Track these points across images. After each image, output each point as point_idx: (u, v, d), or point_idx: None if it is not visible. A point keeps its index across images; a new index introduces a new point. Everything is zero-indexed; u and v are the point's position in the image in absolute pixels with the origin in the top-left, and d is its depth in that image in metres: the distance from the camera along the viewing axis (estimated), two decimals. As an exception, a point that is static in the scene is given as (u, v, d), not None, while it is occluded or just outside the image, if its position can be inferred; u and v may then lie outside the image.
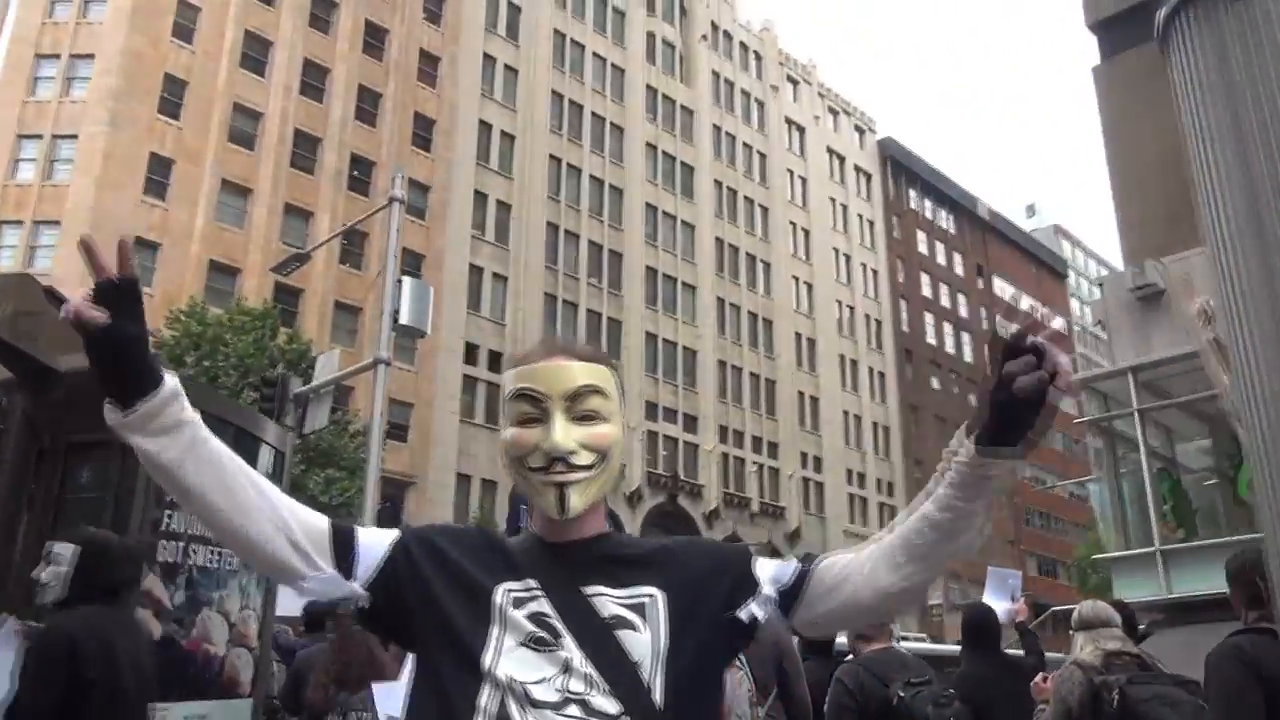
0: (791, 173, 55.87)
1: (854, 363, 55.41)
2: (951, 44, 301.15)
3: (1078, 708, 4.07)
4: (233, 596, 5.72)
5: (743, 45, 55.43)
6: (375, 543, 1.65)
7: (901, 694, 4.20)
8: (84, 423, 5.29)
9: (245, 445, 6.04)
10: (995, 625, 5.44)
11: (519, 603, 1.58)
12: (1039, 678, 4.52)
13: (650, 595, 1.60)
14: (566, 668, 1.52)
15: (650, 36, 50.29)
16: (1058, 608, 19.83)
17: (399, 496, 32.60)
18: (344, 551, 1.61)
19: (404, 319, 14.73)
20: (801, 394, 51.43)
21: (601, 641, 1.54)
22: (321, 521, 1.63)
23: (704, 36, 52.65)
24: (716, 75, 53.23)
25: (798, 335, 52.61)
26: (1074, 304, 77.78)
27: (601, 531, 1.71)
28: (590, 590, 1.60)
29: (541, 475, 1.61)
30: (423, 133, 39.30)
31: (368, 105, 37.90)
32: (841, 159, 59.45)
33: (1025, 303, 69.08)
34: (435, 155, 39.23)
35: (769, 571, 1.66)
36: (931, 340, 60.80)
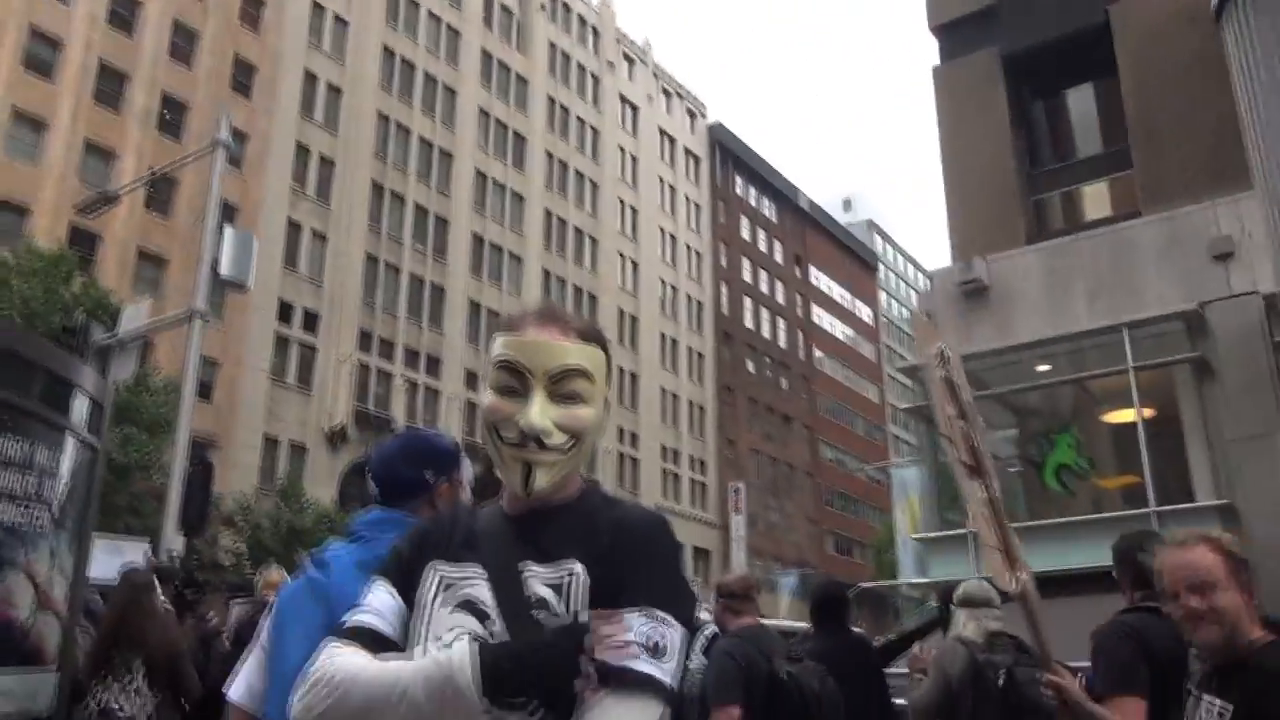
0: (623, 150, 56.12)
1: (674, 342, 56.34)
2: (785, 35, 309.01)
3: (957, 682, 4.24)
4: (41, 558, 5.28)
5: (580, 19, 55.17)
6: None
7: (789, 669, 4.22)
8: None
9: (57, 394, 5.58)
10: (845, 601, 5.56)
11: (448, 586, 1.57)
12: (917, 649, 4.65)
13: (571, 572, 1.54)
14: None
15: (488, 1, 49.34)
16: (866, 585, 20.79)
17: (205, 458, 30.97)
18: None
19: (224, 271, 13.94)
20: (621, 370, 51.88)
21: (521, 627, 1.50)
22: (381, 620, 1.59)
23: (542, 6, 52.08)
24: (553, 46, 52.79)
25: (621, 312, 53.03)
26: (882, 296, 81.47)
27: (563, 503, 1.64)
28: (523, 568, 1.56)
29: (512, 449, 1.58)
30: (243, 78, 37.29)
31: (183, 43, 35.67)
32: (672, 141, 60.14)
33: (837, 293, 72.01)
34: (255, 103, 37.32)
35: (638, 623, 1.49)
36: (749, 324, 62.46)
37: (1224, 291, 12.99)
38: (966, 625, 4.58)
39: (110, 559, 7.95)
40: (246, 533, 30.00)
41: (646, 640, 1.44)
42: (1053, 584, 11.72)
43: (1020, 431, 14.84)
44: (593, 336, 1.67)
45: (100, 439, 6.00)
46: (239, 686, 2.26)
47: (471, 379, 43.27)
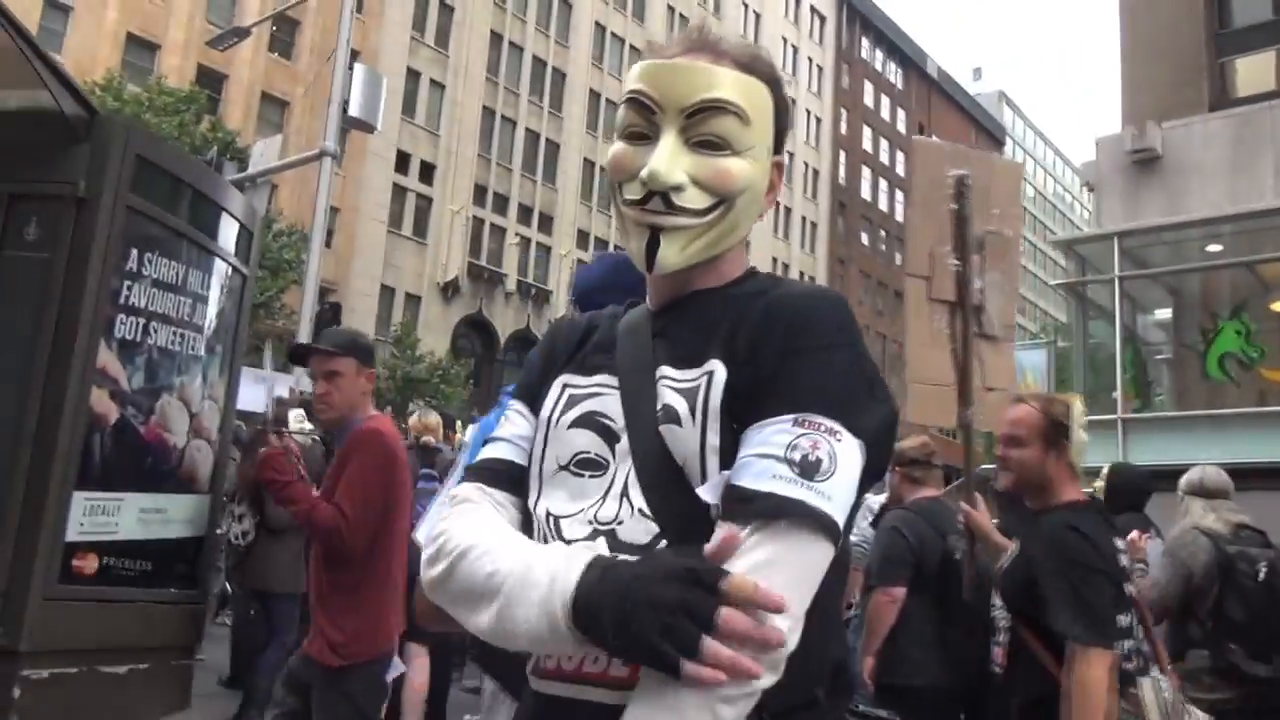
0: (746, 6, 53.86)
1: (788, 210, 54.99)
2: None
3: (1202, 576, 3.83)
4: (195, 384, 5.14)
5: None
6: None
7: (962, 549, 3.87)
8: (31, 170, 4.54)
9: (205, 216, 5.34)
10: (1142, 484, 5.18)
11: (574, 402, 1.27)
12: (1133, 534, 4.23)
13: (708, 372, 1.18)
14: (607, 490, 1.19)
15: None
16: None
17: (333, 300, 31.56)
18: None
19: (353, 110, 13.62)
20: (733, 237, 50.94)
21: (649, 444, 1.18)
22: (506, 451, 1.33)
23: None
24: (678, -108, 50.33)
25: (736, 177, 51.65)
26: (1007, 172, 78.02)
27: (714, 288, 1.28)
28: (659, 374, 1.22)
29: (635, 210, 1.23)
30: (365, -82, 36.39)
31: (307, -120, 34.80)
32: (798, -2, 57.48)
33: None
34: (377, -55, 36.53)
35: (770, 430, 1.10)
36: (866, 195, 60.56)
37: None
38: (1205, 515, 4.13)
39: (256, 388, 7.90)
40: (362, 378, 30.62)
41: (795, 454, 1.06)
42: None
43: (1180, 317, 13.84)
44: (756, 68, 1.26)
45: (250, 266, 5.80)
46: (424, 528, 2.10)
47: (583, 238, 43.00)
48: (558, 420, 1.27)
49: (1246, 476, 6.57)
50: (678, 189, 1.20)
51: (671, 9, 49.25)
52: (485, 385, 37.65)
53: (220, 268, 5.39)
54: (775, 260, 53.57)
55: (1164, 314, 14.17)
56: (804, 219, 56.05)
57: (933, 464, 4.43)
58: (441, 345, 35.72)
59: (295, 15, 28.98)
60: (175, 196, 5.07)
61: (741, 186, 1.22)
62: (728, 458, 1.12)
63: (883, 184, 62.17)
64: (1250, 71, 14.41)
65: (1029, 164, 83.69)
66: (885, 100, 63.12)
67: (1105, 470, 5.46)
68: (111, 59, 28.40)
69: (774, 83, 1.28)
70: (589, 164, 43.73)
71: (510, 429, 1.33)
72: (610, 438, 1.22)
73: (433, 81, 38.42)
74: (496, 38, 40.88)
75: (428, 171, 37.98)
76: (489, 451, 1.33)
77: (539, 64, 42.53)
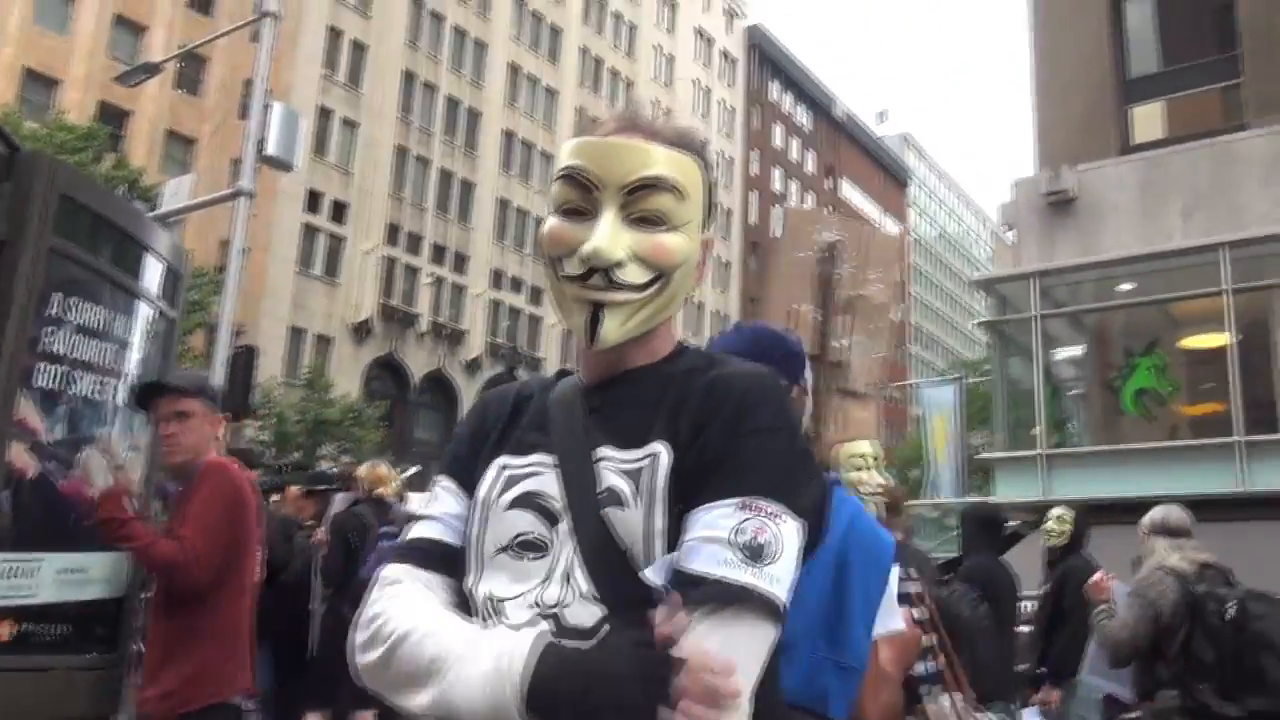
0: (659, 49, 54.55)
1: (702, 250, 55.45)
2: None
3: (1170, 615, 3.83)
4: (119, 435, 4.82)
5: (620, -93, 53.04)
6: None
7: (941, 594, 3.86)
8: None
9: (131, 257, 5.06)
10: (999, 524, 5.26)
11: (512, 482, 1.26)
12: (1098, 575, 4.23)
13: (653, 454, 1.19)
14: (550, 572, 1.19)
15: (527, -116, 47.40)
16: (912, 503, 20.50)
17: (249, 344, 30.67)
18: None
19: (270, 149, 13.30)
20: (648, 276, 51.25)
21: (592, 527, 1.18)
22: (436, 530, 1.31)
23: (583, -108, 50.06)
24: (591, -64, 50.90)
25: (649, 217, 52.06)
26: (911, 213, 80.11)
27: (649, 365, 1.30)
28: (598, 454, 1.22)
29: (576, 287, 1.25)
30: (274, -46, 35.94)
31: (214, -85, 34.29)
32: (709, 41, 58.40)
33: (868, 207, 70.83)
34: (287, -19, 36.08)
35: (713, 515, 1.13)
36: (777, 235, 61.36)
37: (1333, 213, 12.25)
38: (1170, 555, 4.14)
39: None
40: (271, 423, 29.77)
41: (742, 538, 1.09)
42: (1123, 510, 11.29)
43: (1094, 353, 14.25)
44: (688, 144, 1.30)
45: (177, 309, 5.52)
46: None
47: (498, 277, 42.71)
48: (496, 501, 1.25)
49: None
50: (619, 265, 1.21)
51: (585, 50, 49.61)
52: (399, 427, 36.96)
53: (145, 311, 5.12)
54: (689, 299, 53.77)
55: (1078, 350, 14.58)
56: (718, 257, 56.60)
57: (899, 509, 4.39)
58: (354, 387, 35.00)
59: (204, 51, 28.36)
60: (99, 237, 4.80)
61: (679, 261, 1.25)
62: (673, 540, 1.13)
63: (793, 224, 63.13)
64: (1145, 120, 15.02)
65: (930, 204, 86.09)
66: (795, 141, 64.38)
67: (1060, 513, 5.51)
68: (7, 94, 27.40)
69: (704, 161, 1.30)
70: (503, 204, 43.53)
71: (439, 507, 1.31)
72: (550, 519, 1.21)
73: (345, 120, 37.92)
74: (410, 77, 40.60)
75: (340, 210, 37.38)
76: (418, 530, 1.31)
77: (453, 104, 42.34)
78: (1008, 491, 12.79)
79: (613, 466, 1.20)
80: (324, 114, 36.96)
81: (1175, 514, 4.28)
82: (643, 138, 1.27)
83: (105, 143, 24.29)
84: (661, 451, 1.18)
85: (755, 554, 1.07)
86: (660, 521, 1.15)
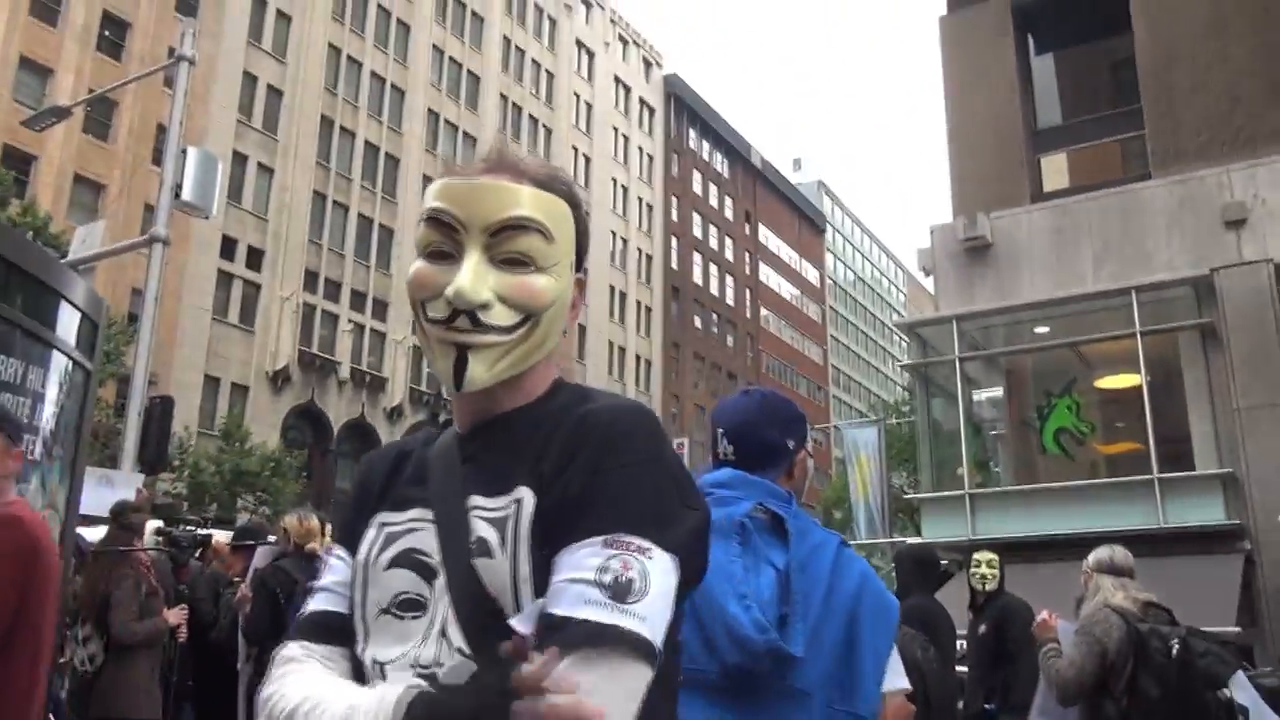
0: (578, 97, 54.98)
1: (623, 295, 55.70)
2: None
3: (1116, 652, 3.88)
4: (34, 492, 4.59)
5: (539, -42, 53.65)
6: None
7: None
8: None
9: (44, 305, 4.87)
10: (937, 564, 5.30)
11: (391, 540, 1.23)
12: (1044, 614, 4.27)
13: (516, 500, 1.17)
14: (427, 631, 1.16)
15: (446, -67, 47.68)
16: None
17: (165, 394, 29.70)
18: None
19: (186, 195, 13.00)
20: (570, 322, 51.27)
21: (463, 580, 1.15)
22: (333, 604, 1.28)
23: (502, -58, 50.50)
24: (511, -16, 51.31)
25: (571, 263, 52.20)
26: (829, 258, 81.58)
27: (523, 404, 1.27)
28: (471, 504, 1.19)
29: (441, 330, 1.22)
30: (188, -1, 35.48)
31: (125, -42, 33.69)
32: (628, 90, 59.07)
33: (785, 252, 72.00)
34: (201, 26, 35.53)
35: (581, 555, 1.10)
36: (698, 280, 62.03)
37: (1235, 258, 12.78)
38: (1115, 593, 4.21)
39: (100, 490, 7.23)
40: (185, 475, 28.84)
41: (607, 577, 1.06)
42: (1046, 548, 11.50)
43: (1011, 393, 14.59)
44: (554, 185, 1.28)
45: (94, 360, 5.31)
46: None
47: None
48: (375, 560, 1.23)
49: (1086, 545, 6.89)
50: (484, 307, 1.19)
51: (504, 97, 49.78)
52: (318, 477, 36.14)
53: (61, 362, 4.92)
54: (612, 344, 54.03)
55: (997, 392, 14.91)
56: (639, 303, 56.86)
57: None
58: (272, 437, 34.14)
59: (114, 95, 27.72)
60: (11, 284, 4.61)
61: (547, 302, 1.22)
62: (541, 586, 1.10)
63: (713, 269, 63.88)
64: (1052, 169, 15.57)
65: (846, 249, 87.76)
66: (713, 188, 65.24)
67: (990, 557, 5.57)
68: (-97, 137, 26.44)
69: (574, 201, 1.28)
70: (424, 250, 43.15)
71: (330, 577, 1.29)
72: (428, 575, 1.18)
73: (260, 165, 37.36)
74: (327, 122, 40.22)
75: (255, 257, 36.69)
76: (313, 604, 1.28)
77: (371, 149, 42.03)
78: (935, 531, 12.97)
79: (482, 515, 1.17)
80: (239, 159, 36.36)
81: (1120, 553, 4.36)
82: (510, 178, 1.25)
83: (9, 187, 23.49)
84: (525, 496, 1.16)
85: (622, 592, 1.04)
86: (525, 568, 1.12)
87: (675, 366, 58.19)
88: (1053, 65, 15.95)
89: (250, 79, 37.33)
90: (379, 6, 43.36)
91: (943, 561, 10.31)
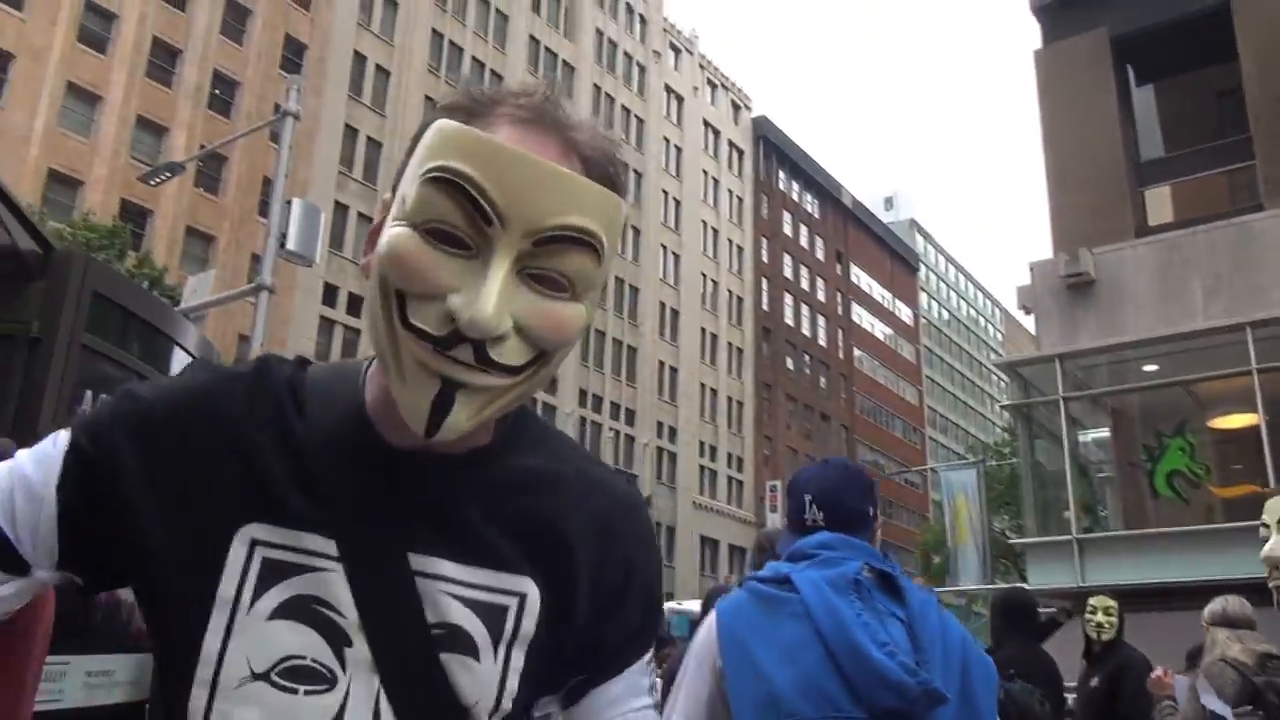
0: (667, 141, 55.52)
1: (714, 337, 55.69)
2: (833, 30, 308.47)
3: (1232, 707, 3.73)
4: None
5: (628, 6, 54.56)
6: (33, 483, 0.91)
7: (1007, 687, 3.78)
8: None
9: (160, 352, 5.06)
10: (1034, 610, 5.13)
11: (276, 574, 0.89)
12: (1159, 671, 4.10)
13: (520, 594, 0.94)
14: (337, 717, 0.87)
15: (537, -15, 48.89)
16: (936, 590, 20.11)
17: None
18: None
19: (291, 244, 13.45)
20: (662, 364, 51.39)
21: (415, 670, 0.89)
22: None
23: (592, -8, 51.58)
24: (600, 34, 52.24)
25: (662, 305, 52.46)
26: (923, 297, 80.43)
27: (487, 442, 0.98)
28: (423, 562, 0.91)
29: (428, 351, 0.86)
30: (293, 56, 36.96)
31: (234, 21, 35.33)
32: (716, 133, 59.45)
33: (878, 291, 71.25)
34: (305, 82, 37.00)
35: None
36: (789, 320, 61.72)
37: (1356, 290, 12.22)
38: (1231, 646, 4.02)
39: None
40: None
41: (655, 694, 1.03)
42: (1158, 596, 10.99)
43: (1118, 434, 14.10)
44: (617, 181, 0.94)
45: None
46: None
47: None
48: (250, 602, 0.88)
49: (1202, 594, 6.56)
50: (500, 339, 0.86)
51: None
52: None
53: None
54: (704, 386, 53.98)
55: (1103, 433, 14.44)
56: (730, 345, 56.78)
57: None
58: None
59: (223, 150, 28.95)
60: (129, 332, 4.82)
61: (572, 339, 0.90)
62: (529, 682, 0.93)
63: (804, 309, 63.52)
64: (1156, 202, 15.13)
65: (940, 288, 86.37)
66: (803, 229, 65.05)
67: (1108, 604, 5.35)
68: (32, 194, 27.91)
69: (624, 193, 0.95)
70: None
71: None
72: (338, 640, 0.89)
73: (360, 215, 38.53)
74: (424, 172, 41.32)
75: (355, 303, 37.72)
76: None
77: (467, 197, 43.01)
78: (1041, 578, 12.55)
79: (459, 595, 0.91)
80: (340, 209, 37.57)
81: (1234, 603, 4.18)
82: (558, 146, 0.91)
83: (128, 241, 24.64)
84: (530, 592, 0.94)
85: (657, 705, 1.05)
86: (513, 681, 0.93)
87: (767, 408, 57.80)
88: (1153, 96, 15.56)
89: (351, 132, 38.64)
90: (473, 57, 44.57)
91: (1046, 609, 9.97)
